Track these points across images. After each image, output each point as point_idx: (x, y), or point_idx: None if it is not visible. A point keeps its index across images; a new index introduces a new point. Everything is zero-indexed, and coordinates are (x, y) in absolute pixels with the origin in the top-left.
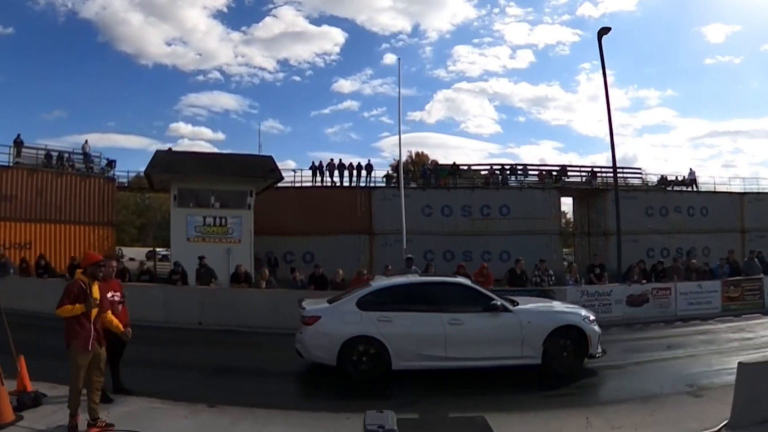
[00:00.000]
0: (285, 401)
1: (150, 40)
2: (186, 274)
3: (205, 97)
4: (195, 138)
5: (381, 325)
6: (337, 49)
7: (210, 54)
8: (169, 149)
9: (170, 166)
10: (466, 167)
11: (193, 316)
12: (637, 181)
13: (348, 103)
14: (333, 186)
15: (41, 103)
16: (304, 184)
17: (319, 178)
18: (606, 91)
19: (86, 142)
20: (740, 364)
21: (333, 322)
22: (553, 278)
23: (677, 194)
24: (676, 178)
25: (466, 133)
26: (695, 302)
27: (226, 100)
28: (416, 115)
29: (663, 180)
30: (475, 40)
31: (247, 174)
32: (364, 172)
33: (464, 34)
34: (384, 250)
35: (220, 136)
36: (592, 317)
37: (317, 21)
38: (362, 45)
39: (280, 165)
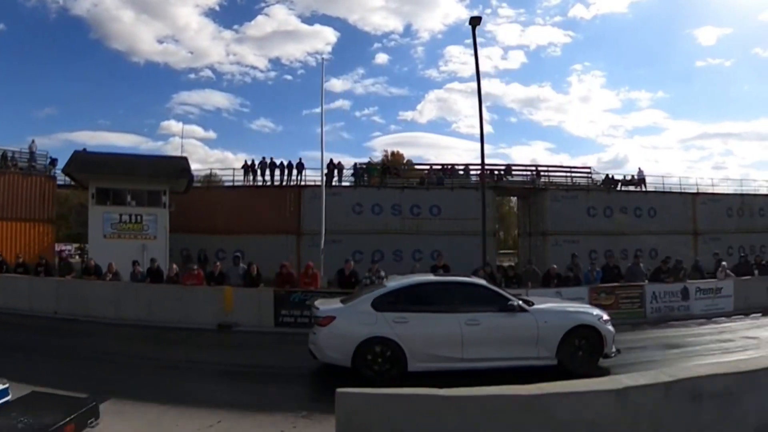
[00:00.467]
0: None
1: (142, 37)
2: (51, 266)
3: (196, 95)
4: (186, 136)
5: (397, 326)
6: (329, 49)
7: (202, 52)
8: (84, 149)
9: (85, 166)
10: (404, 167)
11: (51, 305)
12: (584, 181)
13: (340, 103)
14: (264, 185)
15: (32, 101)
16: (236, 183)
17: (255, 177)
18: (478, 80)
19: (33, 141)
20: (339, 392)
21: (348, 323)
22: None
23: (624, 194)
24: (624, 177)
25: (457, 133)
26: None
27: (217, 99)
28: (408, 115)
29: (609, 180)
30: (467, 41)
31: (157, 174)
32: (295, 171)
33: (456, 34)
34: (312, 250)
35: (212, 134)
36: (606, 317)
37: (309, 20)
38: (354, 44)
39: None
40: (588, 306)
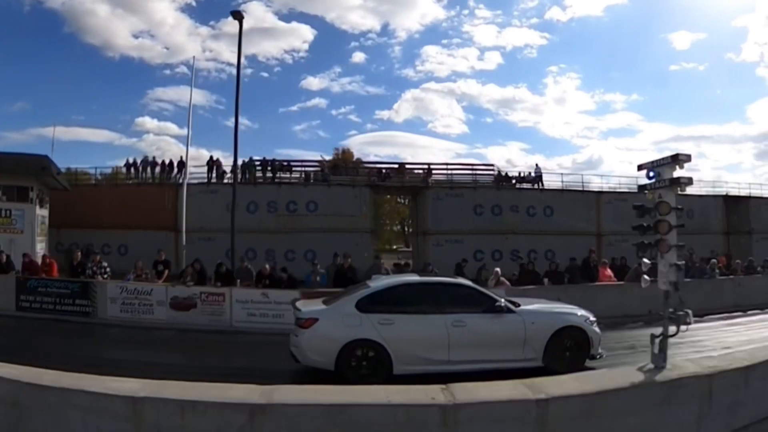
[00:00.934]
0: None
1: (117, 32)
2: None
3: (171, 91)
4: (161, 133)
5: (382, 328)
6: (306, 47)
7: (178, 48)
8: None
9: None
10: (286, 162)
11: None
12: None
13: (316, 101)
14: (146, 183)
15: (4, 95)
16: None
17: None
18: (238, 76)
19: None
20: None
21: (331, 325)
22: (108, 272)
23: (516, 192)
24: (520, 174)
25: (433, 133)
26: (258, 314)
27: (193, 95)
28: (384, 114)
29: (501, 177)
30: (444, 41)
31: (16, 171)
32: (176, 169)
33: (433, 34)
34: (188, 246)
35: (185, 131)
36: (592, 318)
37: (287, 17)
38: (331, 43)
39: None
40: (574, 307)
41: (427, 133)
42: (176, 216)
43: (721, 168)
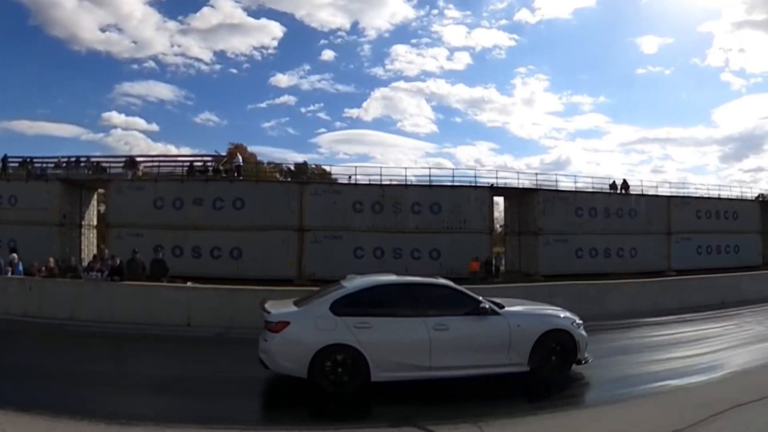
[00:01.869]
0: None
1: (84, 25)
2: None
3: (139, 86)
4: (128, 128)
5: (359, 332)
6: (275, 43)
7: (145, 42)
8: None
9: None
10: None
11: None
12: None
13: (285, 98)
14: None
15: None
16: None
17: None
18: None
19: None
20: None
21: (304, 328)
22: None
23: (203, 184)
24: (213, 165)
25: (402, 132)
26: None
27: (161, 90)
28: (353, 113)
29: (192, 168)
30: (414, 41)
31: None
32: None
33: (403, 33)
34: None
35: (154, 127)
36: (579, 321)
37: (256, 14)
38: (301, 40)
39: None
40: (559, 309)
41: (396, 131)
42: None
43: (687, 170)
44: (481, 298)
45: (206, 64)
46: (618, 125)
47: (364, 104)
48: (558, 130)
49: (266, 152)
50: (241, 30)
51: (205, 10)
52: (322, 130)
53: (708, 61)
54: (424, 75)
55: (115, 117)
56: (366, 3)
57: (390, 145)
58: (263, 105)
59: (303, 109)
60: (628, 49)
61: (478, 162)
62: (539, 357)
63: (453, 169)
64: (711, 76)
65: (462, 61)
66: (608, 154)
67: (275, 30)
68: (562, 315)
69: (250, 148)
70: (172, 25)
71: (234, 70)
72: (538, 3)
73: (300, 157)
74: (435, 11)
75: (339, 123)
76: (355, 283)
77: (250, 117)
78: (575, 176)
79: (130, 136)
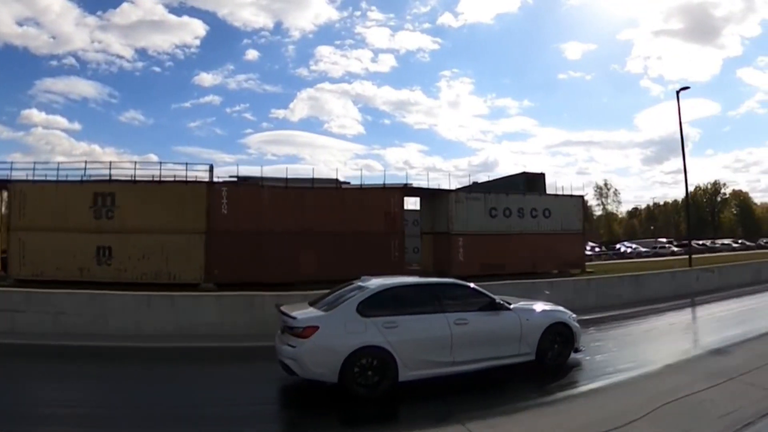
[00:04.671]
0: None
1: None
2: None
3: (61, 83)
4: (50, 127)
5: (387, 332)
6: (198, 42)
7: (65, 37)
8: None
9: None
10: None
11: None
12: None
13: (210, 98)
14: None
15: None
16: None
17: None
18: None
19: None
20: None
21: (334, 332)
22: None
23: None
24: None
25: (330, 133)
26: None
27: (84, 88)
28: (280, 113)
29: None
30: (337, 42)
31: None
32: None
33: (327, 34)
34: None
35: (77, 126)
36: (573, 315)
37: (177, 11)
38: (224, 39)
39: (140, 159)
40: (555, 305)
41: (324, 132)
42: None
43: (611, 172)
44: (493, 295)
45: (128, 61)
46: (544, 128)
47: (291, 105)
48: (485, 132)
49: (194, 153)
50: (163, 27)
51: (126, 5)
52: (249, 130)
53: (628, 68)
54: (349, 76)
55: (36, 115)
56: (289, 3)
57: (319, 146)
58: (187, 104)
59: (228, 109)
60: (551, 54)
61: (407, 164)
62: (545, 347)
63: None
64: (631, 82)
65: (386, 63)
66: (535, 156)
67: (197, 28)
68: (562, 309)
69: (178, 149)
70: (91, 20)
71: (157, 68)
72: (460, 8)
73: (229, 158)
74: (358, 13)
75: (266, 123)
76: (377, 283)
77: (175, 116)
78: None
79: (51, 135)
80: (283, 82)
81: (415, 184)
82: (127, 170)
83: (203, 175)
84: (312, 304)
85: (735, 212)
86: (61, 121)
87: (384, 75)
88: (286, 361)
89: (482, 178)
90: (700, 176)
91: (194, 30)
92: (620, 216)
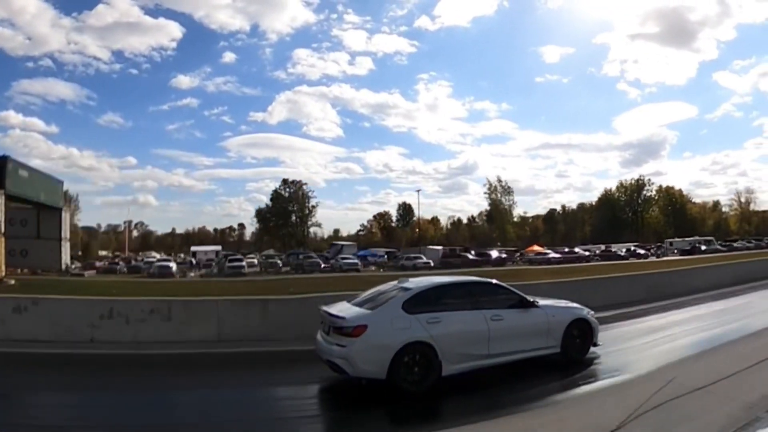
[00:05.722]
0: None
1: None
2: None
3: (39, 84)
4: (27, 129)
5: (431, 327)
6: (174, 44)
7: (41, 39)
8: None
9: None
10: None
11: None
12: None
13: (188, 101)
14: None
15: None
16: None
17: None
18: None
19: None
20: None
21: (383, 330)
22: None
23: None
24: None
25: (309, 136)
26: None
27: (62, 89)
28: (258, 116)
29: None
30: (315, 45)
31: None
32: None
33: (304, 37)
34: None
35: (54, 128)
36: (592, 312)
37: (153, 12)
38: (201, 42)
39: (119, 162)
40: (574, 303)
41: (303, 135)
42: None
43: (591, 174)
44: (523, 294)
45: (105, 63)
46: (523, 131)
47: (269, 108)
48: (464, 135)
49: (174, 155)
50: (139, 29)
51: (101, 7)
52: (228, 133)
53: (605, 71)
54: (327, 79)
55: (13, 117)
56: (265, 6)
57: (299, 149)
58: (165, 107)
59: (207, 112)
60: (529, 57)
61: (388, 166)
62: (568, 341)
63: None
64: (608, 85)
65: (364, 66)
66: (514, 159)
67: (174, 30)
68: (580, 307)
69: (158, 152)
70: (67, 21)
71: (134, 71)
72: (437, 11)
73: (209, 161)
74: (334, 15)
75: (245, 126)
76: (420, 282)
77: (154, 119)
78: None
79: (28, 137)
80: (261, 85)
81: (395, 187)
82: None
83: None
84: (357, 304)
85: (663, 211)
86: (39, 123)
87: (362, 78)
88: (337, 361)
89: (463, 180)
90: (679, 178)
91: (170, 32)
92: (523, 216)
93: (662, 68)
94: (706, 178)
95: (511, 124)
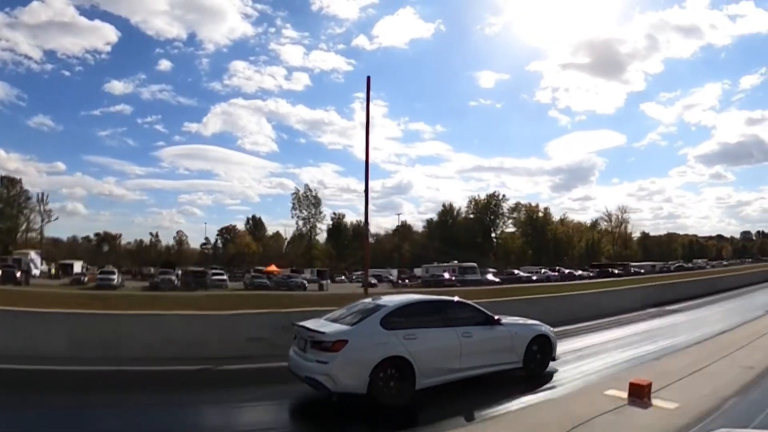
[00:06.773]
0: None
1: None
2: None
3: None
4: None
5: (408, 343)
6: (109, 48)
7: None
8: None
9: None
10: None
11: None
12: None
13: (121, 107)
14: None
15: None
16: None
17: None
18: None
19: None
20: None
21: (362, 345)
22: None
23: None
24: None
25: (243, 150)
26: None
27: None
28: (193, 127)
29: None
30: (252, 57)
31: None
32: None
33: (241, 49)
34: None
35: None
36: (551, 329)
37: (89, 14)
38: (136, 47)
39: (47, 167)
40: (533, 320)
41: (237, 149)
42: None
43: (523, 197)
44: (489, 312)
45: (36, 62)
46: (457, 153)
47: (204, 119)
48: (399, 155)
49: (105, 163)
50: (73, 30)
51: (35, 4)
52: (161, 143)
53: (537, 98)
54: (263, 93)
55: None
56: (203, 15)
57: (234, 162)
58: (97, 112)
59: (140, 120)
60: (464, 81)
61: (322, 183)
62: (529, 356)
63: None
64: (540, 111)
65: (301, 81)
66: (448, 181)
67: (109, 34)
68: (540, 324)
69: (89, 158)
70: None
71: (66, 72)
72: (375, 31)
73: (141, 171)
74: (272, 29)
75: (179, 137)
76: (395, 299)
77: (85, 124)
78: None
79: None
80: (197, 95)
81: (330, 204)
82: None
83: None
84: (336, 321)
85: (521, 231)
86: None
87: (298, 94)
88: (317, 377)
89: (397, 200)
90: (607, 203)
91: (106, 35)
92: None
93: (592, 97)
94: (632, 203)
95: (446, 146)
